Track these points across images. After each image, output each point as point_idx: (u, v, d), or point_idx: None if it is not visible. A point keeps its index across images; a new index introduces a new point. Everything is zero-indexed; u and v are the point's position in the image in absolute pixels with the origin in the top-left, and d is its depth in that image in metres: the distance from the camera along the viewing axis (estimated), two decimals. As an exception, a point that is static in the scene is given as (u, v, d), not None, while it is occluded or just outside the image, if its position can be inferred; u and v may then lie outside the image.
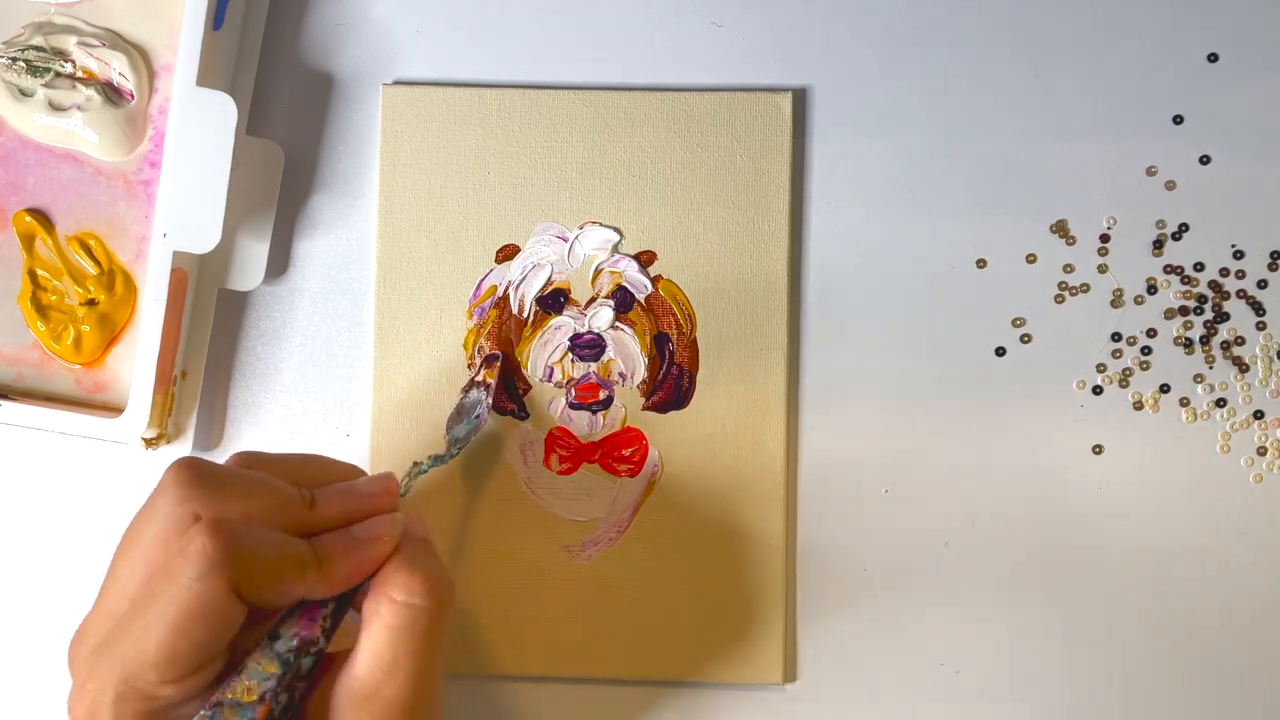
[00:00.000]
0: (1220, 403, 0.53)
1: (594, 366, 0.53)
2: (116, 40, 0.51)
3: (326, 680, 0.41)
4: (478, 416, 0.50)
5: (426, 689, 0.41)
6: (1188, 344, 0.53)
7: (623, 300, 0.53)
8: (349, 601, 0.42)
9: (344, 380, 0.53)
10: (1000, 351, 0.53)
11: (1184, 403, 0.53)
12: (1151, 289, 0.53)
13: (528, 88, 0.53)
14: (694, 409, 0.52)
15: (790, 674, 0.52)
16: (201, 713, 0.39)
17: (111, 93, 0.51)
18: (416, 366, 0.52)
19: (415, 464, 0.48)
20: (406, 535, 0.43)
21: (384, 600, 0.41)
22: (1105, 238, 0.53)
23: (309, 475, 0.44)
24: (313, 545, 0.41)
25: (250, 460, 0.44)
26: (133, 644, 0.38)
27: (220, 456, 0.53)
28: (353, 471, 0.45)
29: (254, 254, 0.52)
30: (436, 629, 0.41)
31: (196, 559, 0.38)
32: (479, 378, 0.51)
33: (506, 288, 0.53)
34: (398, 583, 0.41)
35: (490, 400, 0.50)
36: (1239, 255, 0.53)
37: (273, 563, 0.40)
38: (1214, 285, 0.53)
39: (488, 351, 0.52)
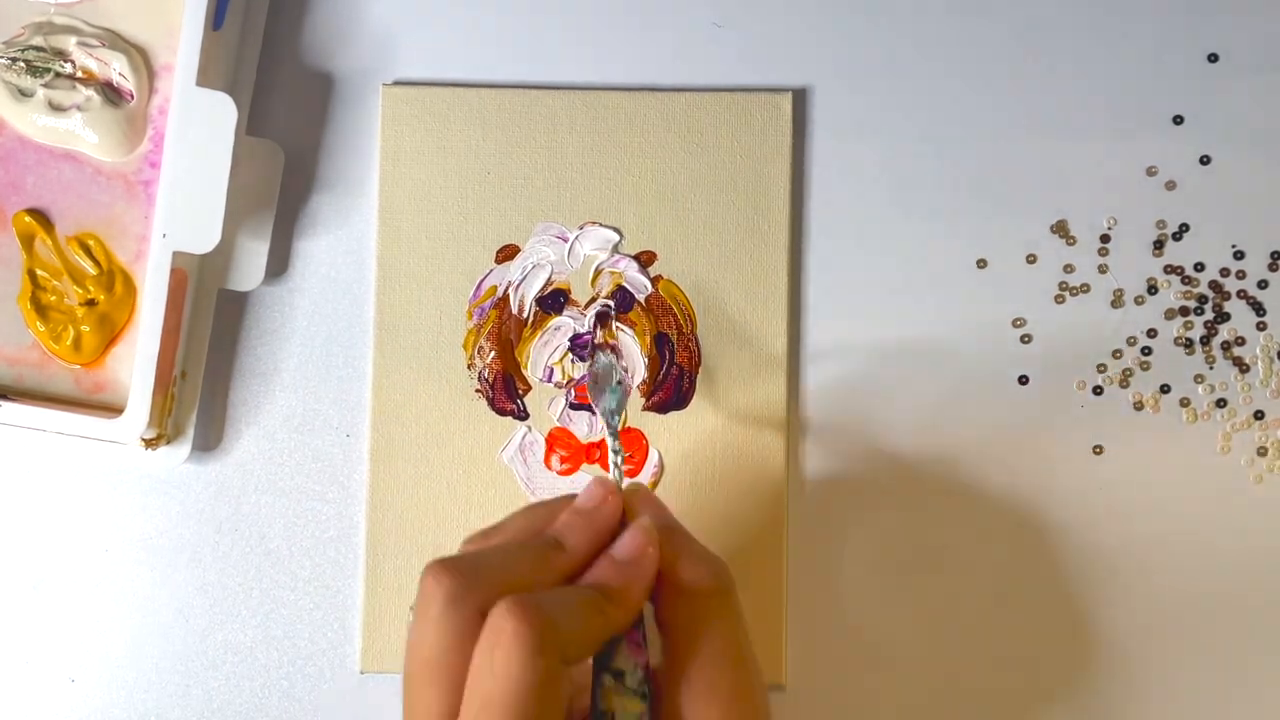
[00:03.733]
0: (1220, 403, 0.53)
1: (594, 366, 0.53)
2: (116, 40, 0.51)
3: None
4: (619, 383, 0.47)
5: (752, 662, 0.40)
6: (1188, 344, 0.53)
7: (623, 300, 0.53)
8: (642, 618, 0.41)
9: (344, 380, 0.53)
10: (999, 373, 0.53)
11: (1184, 403, 0.53)
12: (1152, 289, 0.53)
13: (528, 88, 0.53)
14: (694, 409, 0.52)
15: (790, 675, 0.52)
16: None
17: (111, 93, 0.51)
18: (416, 366, 0.52)
19: (614, 452, 0.45)
20: (660, 529, 0.41)
21: (681, 604, 0.40)
22: (1105, 238, 0.53)
23: (534, 524, 0.42)
24: (593, 585, 0.40)
25: (479, 536, 0.42)
26: None
27: (221, 456, 0.53)
28: (566, 502, 0.43)
29: (254, 254, 0.52)
30: (737, 606, 0.41)
31: (516, 644, 0.36)
32: (598, 339, 0.49)
33: (506, 288, 0.53)
34: (685, 581, 0.40)
35: (620, 360, 0.47)
36: (1239, 255, 0.53)
37: (577, 615, 0.38)
38: (1214, 285, 0.53)
39: (489, 351, 0.52)
